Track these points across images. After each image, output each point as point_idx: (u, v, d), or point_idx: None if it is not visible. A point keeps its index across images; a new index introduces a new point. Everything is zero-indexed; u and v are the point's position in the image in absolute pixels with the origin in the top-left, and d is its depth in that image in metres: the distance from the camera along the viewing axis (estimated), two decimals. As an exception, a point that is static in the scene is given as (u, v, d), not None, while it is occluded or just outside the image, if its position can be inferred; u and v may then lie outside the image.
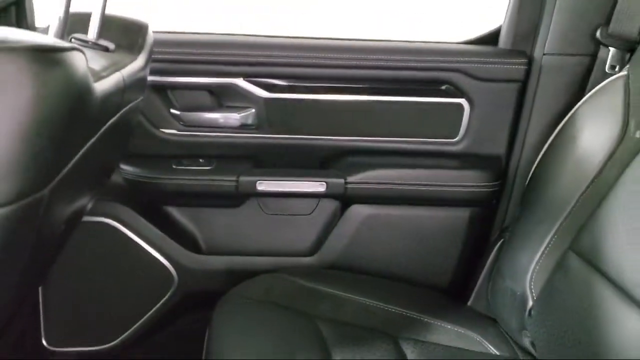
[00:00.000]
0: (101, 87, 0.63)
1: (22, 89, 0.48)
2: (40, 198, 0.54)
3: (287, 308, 1.06)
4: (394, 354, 0.99)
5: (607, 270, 0.89)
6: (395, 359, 0.98)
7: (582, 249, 0.96)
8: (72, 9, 0.75)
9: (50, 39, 0.56)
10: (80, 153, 0.61)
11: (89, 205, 1.04)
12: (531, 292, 1.05)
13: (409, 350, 1.01)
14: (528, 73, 1.21)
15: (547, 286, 1.02)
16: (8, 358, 1.16)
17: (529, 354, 1.07)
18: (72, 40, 0.79)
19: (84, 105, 0.58)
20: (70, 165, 0.59)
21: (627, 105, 1.03)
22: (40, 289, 1.19)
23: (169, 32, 1.17)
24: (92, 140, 0.65)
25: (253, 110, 1.19)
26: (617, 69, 1.12)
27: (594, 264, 0.92)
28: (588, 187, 1.03)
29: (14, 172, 0.49)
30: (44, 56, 0.51)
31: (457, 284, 1.27)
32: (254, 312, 1.04)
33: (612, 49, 1.13)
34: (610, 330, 0.86)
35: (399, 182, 1.23)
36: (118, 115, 0.75)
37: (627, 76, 1.05)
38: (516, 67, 1.21)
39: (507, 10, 1.23)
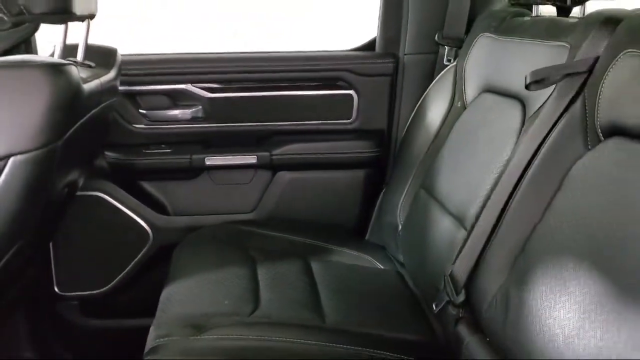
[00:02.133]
0: (87, 87, 1.08)
1: (44, 86, 0.94)
2: (54, 149, 0.97)
3: (228, 243, 1.50)
4: (303, 269, 1.42)
5: (437, 195, 1.35)
6: (305, 271, 1.41)
7: (427, 186, 1.42)
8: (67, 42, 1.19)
9: (56, 59, 1.01)
10: (75, 126, 1.06)
11: (81, 182, 1.49)
12: (399, 220, 1.51)
13: (316, 266, 1.44)
14: (396, 68, 1.69)
15: (408, 214, 1.48)
16: (23, 301, 1.57)
17: (404, 266, 1.51)
18: (68, 60, 1.23)
19: (77, 96, 1.03)
20: (70, 132, 1.03)
21: (453, 85, 1.50)
22: (51, 245, 1.61)
23: (135, 54, 1.62)
24: (82, 120, 1.09)
25: (200, 107, 1.64)
26: (451, 61, 1.60)
27: (432, 194, 1.38)
28: (431, 143, 1.50)
29: (41, 127, 0.93)
30: (54, 68, 0.97)
31: (357, 223, 1.73)
32: (202, 247, 1.48)
33: (447, 47, 1.61)
34: (435, 232, 1.31)
35: (311, 152, 1.70)
36: (98, 107, 1.20)
37: (455, 65, 1.53)
38: (387, 65, 1.69)
39: (378, 26, 1.71)
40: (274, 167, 1.70)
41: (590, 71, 0.96)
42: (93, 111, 1.17)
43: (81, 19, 1.16)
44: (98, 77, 1.20)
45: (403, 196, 1.53)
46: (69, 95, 0.98)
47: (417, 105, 1.62)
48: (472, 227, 1.10)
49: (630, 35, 0.90)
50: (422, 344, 1.16)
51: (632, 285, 0.70)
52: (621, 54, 0.89)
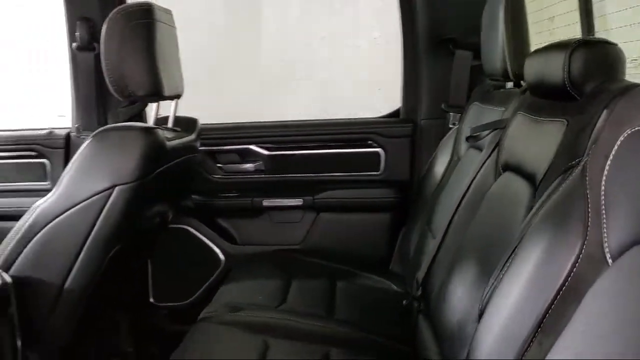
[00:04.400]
0: (170, 144, 1.61)
1: (139, 141, 1.47)
2: (144, 183, 1.49)
3: (275, 264, 1.95)
4: (329, 285, 1.81)
5: (431, 226, 1.73)
6: (330, 286, 1.81)
7: (429, 223, 1.80)
8: (160, 114, 1.75)
9: (149, 125, 1.56)
10: (161, 169, 1.57)
11: (171, 216, 2.02)
12: (411, 252, 1.89)
13: (340, 284, 1.84)
14: (414, 131, 2.11)
15: (415, 247, 1.86)
16: (127, 308, 2.08)
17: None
18: (157, 126, 1.78)
19: (161, 148, 1.55)
20: (156, 172, 1.54)
21: (453, 144, 1.90)
22: (149, 266, 2.15)
23: (213, 123, 2.17)
24: (166, 165, 1.61)
25: (261, 162, 2.15)
26: (455, 125, 1.99)
27: (431, 228, 1.76)
28: (434, 190, 1.89)
29: (136, 167, 1.45)
30: (146, 130, 1.51)
31: (382, 256, 2.12)
32: (255, 265, 1.94)
33: (451, 114, 2.01)
34: (424, 253, 1.68)
35: (346, 197, 2.14)
36: (180, 159, 1.72)
37: (457, 128, 1.92)
38: (408, 128, 2.11)
39: (401, 98, 2.16)
40: (316, 209, 2.15)
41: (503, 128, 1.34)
42: (176, 160, 1.70)
43: (170, 98, 1.71)
44: (180, 138, 1.73)
45: (414, 232, 1.91)
46: (154, 148, 1.51)
47: (430, 160, 2.02)
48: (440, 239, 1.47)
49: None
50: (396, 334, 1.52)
51: (491, 261, 1.06)
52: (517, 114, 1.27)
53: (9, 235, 1.50)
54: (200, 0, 2.92)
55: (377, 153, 2.13)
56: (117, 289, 1.89)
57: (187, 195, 2.16)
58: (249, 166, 2.16)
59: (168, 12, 1.69)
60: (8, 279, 1.41)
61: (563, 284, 0.78)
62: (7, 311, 1.38)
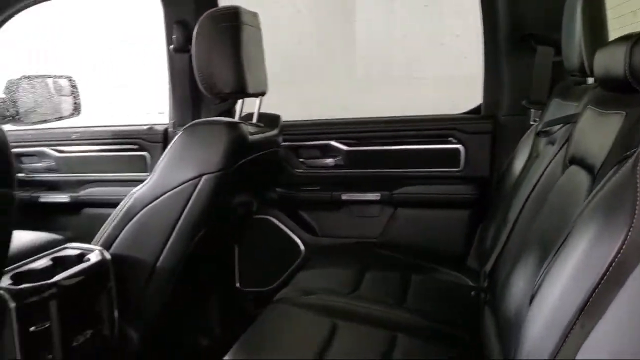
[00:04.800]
0: (252, 138, 1.72)
1: (224, 134, 1.59)
2: (228, 172, 1.61)
3: (352, 255, 2.02)
4: (404, 277, 1.86)
5: (506, 223, 1.73)
6: (404, 279, 1.86)
7: (505, 219, 1.80)
8: (245, 111, 1.87)
9: (234, 120, 1.68)
10: (243, 160, 1.69)
11: (255, 207, 2.14)
12: (488, 247, 1.90)
13: (415, 277, 1.88)
14: (495, 127, 2.10)
15: (490, 242, 1.87)
16: (216, 292, 2.24)
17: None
18: (246, 122, 1.91)
19: (244, 141, 1.67)
20: (239, 163, 1.66)
21: (534, 139, 1.88)
22: (236, 254, 2.29)
23: (296, 120, 2.28)
24: (248, 157, 1.73)
25: (340, 157, 2.23)
26: (536, 121, 1.97)
27: (505, 223, 1.76)
28: (513, 186, 1.88)
29: (220, 158, 1.57)
30: (230, 124, 1.63)
31: (459, 251, 2.13)
32: (333, 256, 2.03)
33: (532, 110, 1.99)
34: (496, 251, 1.69)
35: (425, 193, 2.17)
36: (262, 152, 1.84)
37: (537, 124, 1.91)
38: (488, 125, 2.11)
39: (482, 94, 2.16)
40: (394, 204, 2.20)
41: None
42: (258, 153, 1.82)
43: (255, 95, 1.83)
44: (263, 132, 1.85)
45: (491, 228, 1.92)
46: (238, 141, 1.63)
47: (510, 157, 2.01)
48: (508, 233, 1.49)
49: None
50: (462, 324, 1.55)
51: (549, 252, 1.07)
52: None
53: (109, 219, 1.68)
54: (291, 3, 3.06)
55: (457, 149, 2.15)
56: (205, 272, 2.04)
57: (271, 187, 2.28)
58: (329, 161, 2.25)
59: (254, 15, 1.81)
60: (108, 256, 1.58)
61: (607, 270, 0.80)
62: (106, 285, 1.55)
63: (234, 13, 1.68)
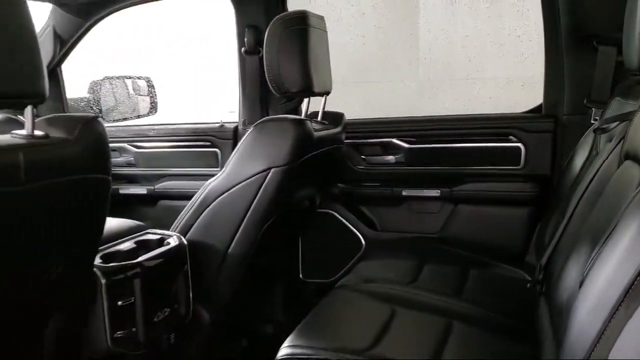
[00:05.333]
0: (317, 134, 1.82)
1: (290, 131, 1.70)
2: (294, 166, 1.72)
3: (412, 250, 2.09)
4: (462, 271, 1.92)
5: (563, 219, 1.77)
6: (463, 272, 1.91)
7: (563, 215, 1.84)
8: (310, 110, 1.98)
9: (300, 117, 1.79)
10: (308, 155, 1.79)
11: (318, 201, 2.25)
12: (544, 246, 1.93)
13: (473, 271, 1.94)
14: (556, 126, 2.13)
15: (548, 239, 1.90)
16: (276, 284, 2.35)
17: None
18: (311, 119, 2.01)
19: (309, 137, 1.77)
20: (304, 158, 1.77)
21: (593, 139, 1.90)
22: (300, 246, 2.41)
23: (358, 118, 2.37)
24: (313, 152, 1.83)
25: (402, 154, 2.31)
26: (597, 120, 1.98)
27: (563, 220, 1.80)
28: (573, 182, 1.91)
29: (287, 152, 1.69)
30: (297, 122, 1.73)
31: (518, 248, 2.16)
32: (394, 249, 2.11)
33: (593, 109, 2.01)
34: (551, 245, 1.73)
35: (485, 190, 2.21)
36: (326, 148, 1.94)
37: (600, 129, 1.93)
38: (549, 124, 2.14)
39: (543, 94, 2.18)
40: (454, 201, 2.26)
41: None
42: (322, 149, 1.92)
43: (320, 94, 1.93)
44: (327, 130, 1.95)
45: (550, 225, 1.95)
46: (304, 137, 1.74)
47: (570, 155, 2.03)
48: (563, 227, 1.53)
49: None
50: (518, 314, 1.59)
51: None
52: None
53: (185, 208, 1.82)
54: (356, 7, 3.17)
55: (517, 148, 2.18)
56: (270, 262, 2.16)
57: (334, 183, 2.38)
58: (390, 158, 2.33)
59: (320, 18, 1.92)
60: (184, 241, 1.72)
61: None
62: (183, 267, 1.69)
63: (302, 17, 1.79)
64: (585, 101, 2.03)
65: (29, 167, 0.99)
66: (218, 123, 2.54)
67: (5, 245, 1.03)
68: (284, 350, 1.33)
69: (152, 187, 2.62)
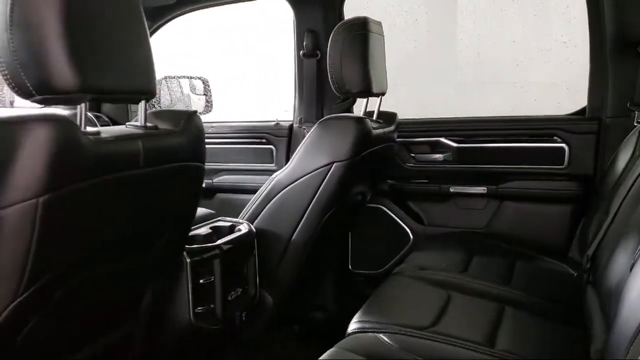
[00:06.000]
0: (374, 132, 1.96)
1: (352, 128, 1.84)
2: (354, 161, 1.86)
3: (460, 243, 2.21)
4: (508, 263, 2.03)
5: (608, 216, 1.87)
6: (508, 265, 2.03)
7: (606, 213, 1.94)
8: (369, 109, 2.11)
9: (359, 115, 1.93)
10: (366, 151, 1.93)
11: (369, 196, 2.38)
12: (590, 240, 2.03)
13: (518, 263, 2.05)
14: (599, 128, 2.23)
15: (592, 235, 2.00)
16: (328, 273, 2.49)
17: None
18: (369, 118, 2.14)
19: (368, 135, 1.91)
20: (363, 154, 1.90)
21: (637, 138, 2.00)
22: (349, 238, 2.54)
23: (409, 118, 2.50)
24: (370, 149, 1.96)
25: (450, 153, 2.43)
26: (640, 122, 2.08)
27: (607, 217, 1.90)
28: (614, 185, 2.01)
29: (349, 148, 1.82)
30: (357, 120, 1.87)
31: (562, 243, 2.26)
32: (444, 242, 2.23)
33: (636, 112, 2.11)
34: (598, 237, 1.83)
35: (530, 188, 2.32)
36: (381, 145, 2.07)
37: (641, 124, 2.03)
38: (593, 125, 2.24)
39: (587, 97, 2.29)
40: (500, 198, 2.37)
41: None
42: (378, 146, 2.06)
43: (377, 95, 2.07)
44: (382, 128, 2.09)
45: (593, 223, 2.05)
46: (364, 134, 1.88)
47: (613, 156, 2.13)
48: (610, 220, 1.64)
49: None
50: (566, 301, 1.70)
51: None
52: None
53: (252, 198, 1.98)
54: (410, 14, 3.30)
55: (562, 148, 2.29)
56: (324, 253, 2.30)
57: (384, 179, 2.51)
58: (438, 156, 2.45)
59: (378, 24, 2.05)
60: (253, 229, 1.87)
61: None
62: (252, 252, 1.85)
63: (363, 23, 1.94)
64: (628, 104, 2.13)
65: (146, 154, 1.14)
66: (274, 121, 2.70)
67: (125, 223, 1.19)
68: (353, 325, 1.47)
69: (211, 181, 2.78)
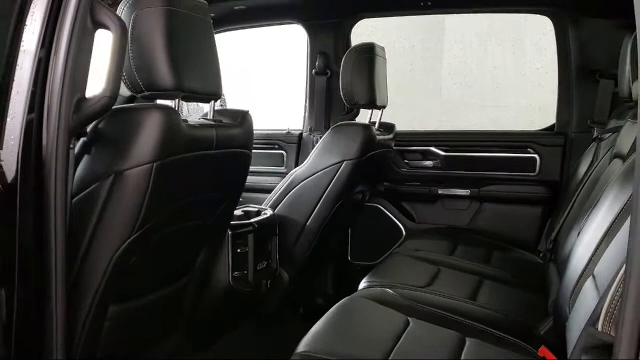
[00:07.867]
0: (377, 138, 2.36)
1: (359, 134, 2.25)
2: (361, 161, 2.24)
3: (444, 235, 2.59)
4: (485, 252, 2.42)
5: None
6: (485, 255, 2.41)
7: (568, 211, 2.35)
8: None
9: (365, 123, 2.33)
10: (367, 155, 2.31)
11: (368, 196, 2.76)
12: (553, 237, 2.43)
13: (496, 254, 2.44)
14: (565, 141, 2.65)
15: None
16: (329, 263, 2.85)
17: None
18: (376, 127, 2.53)
19: (372, 140, 2.30)
20: (365, 156, 2.28)
21: (595, 149, 2.41)
22: (349, 232, 2.91)
23: (404, 130, 2.89)
24: (370, 153, 2.34)
25: (438, 160, 2.83)
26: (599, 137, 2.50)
27: (568, 208, 2.30)
28: (577, 187, 2.41)
29: (357, 149, 2.21)
30: (363, 126, 2.28)
31: (533, 239, 2.65)
32: (427, 235, 2.61)
33: (596, 128, 2.52)
34: (558, 226, 2.24)
35: (506, 192, 2.72)
36: (379, 151, 2.45)
37: (599, 139, 2.44)
38: (560, 139, 2.66)
39: (556, 116, 2.71)
40: (481, 200, 2.77)
41: None
42: (379, 150, 2.45)
43: (379, 107, 2.47)
44: (382, 135, 2.48)
45: (558, 218, 2.45)
46: (369, 138, 2.27)
47: (576, 164, 2.54)
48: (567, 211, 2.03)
49: None
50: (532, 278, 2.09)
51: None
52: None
53: (275, 189, 2.35)
54: (408, 40, 3.73)
55: (533, 158, 2.70)
56: (331, 241, 2.67)
57: (381, 182, 2.90)
58: (428, 163, 2.85)
59: (382, 49, 2.46)
60: (275, 214, 2.24)
61: (619, 213, 1.34)
62: (275, 232, 2.21)
63: (371, 48, 2.35)
64: (589, 122, 2.55)
65: (217, 139, 1.51)
66: (285, 130, 3.08)
67: (200, 190, 1.55)
68: (363, 284, 1.84)
69: None
